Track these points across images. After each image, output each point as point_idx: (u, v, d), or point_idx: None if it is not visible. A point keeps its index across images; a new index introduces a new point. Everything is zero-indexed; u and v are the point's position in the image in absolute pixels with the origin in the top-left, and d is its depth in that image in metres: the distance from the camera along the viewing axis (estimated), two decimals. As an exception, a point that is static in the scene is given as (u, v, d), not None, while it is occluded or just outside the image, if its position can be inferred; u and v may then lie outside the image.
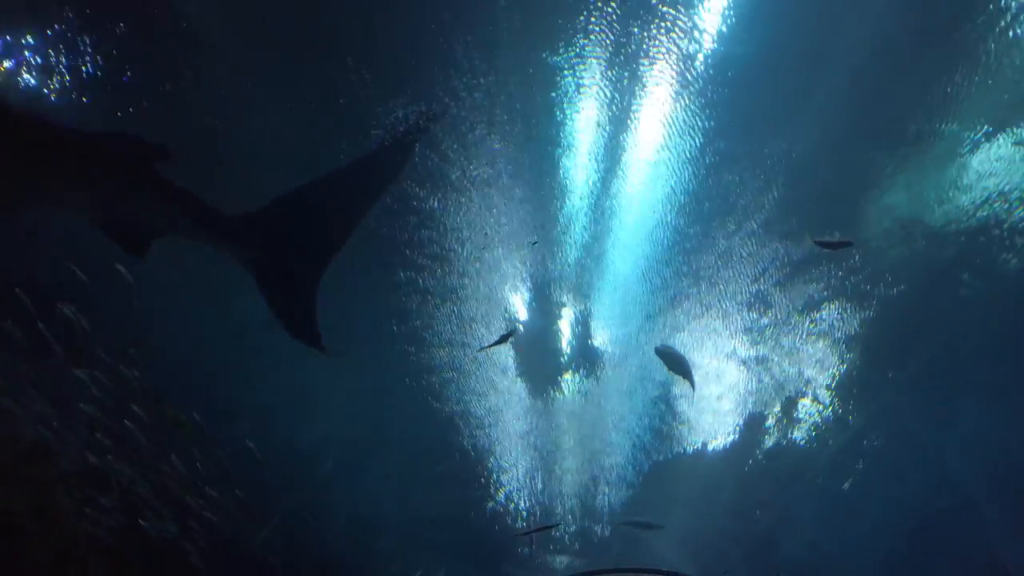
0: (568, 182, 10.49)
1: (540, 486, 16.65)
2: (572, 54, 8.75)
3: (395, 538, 16.81)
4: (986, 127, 9.37)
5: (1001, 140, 9.51)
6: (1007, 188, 10.13)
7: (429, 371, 13.46)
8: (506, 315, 12.59)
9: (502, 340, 11.01)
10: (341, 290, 11.72)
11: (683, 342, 13.25)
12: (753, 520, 17.61)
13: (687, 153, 9.89)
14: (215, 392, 12.27)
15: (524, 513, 17.17)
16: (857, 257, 11.51)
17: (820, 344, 13.22)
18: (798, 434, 15.32)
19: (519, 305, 12.57)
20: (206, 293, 11.13)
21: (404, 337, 12.69)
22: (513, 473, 16.22)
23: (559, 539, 18.19)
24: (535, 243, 10.01)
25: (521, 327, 12.59)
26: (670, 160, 10.06)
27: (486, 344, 12.06)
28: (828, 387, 14.10)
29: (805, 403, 14.60)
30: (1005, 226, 10.65)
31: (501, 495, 16.74)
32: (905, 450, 15.49)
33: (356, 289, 11.64)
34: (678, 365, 11.85)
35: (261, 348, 11.94)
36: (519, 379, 14.13)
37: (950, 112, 9.22)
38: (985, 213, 10.51)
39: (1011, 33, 8.26)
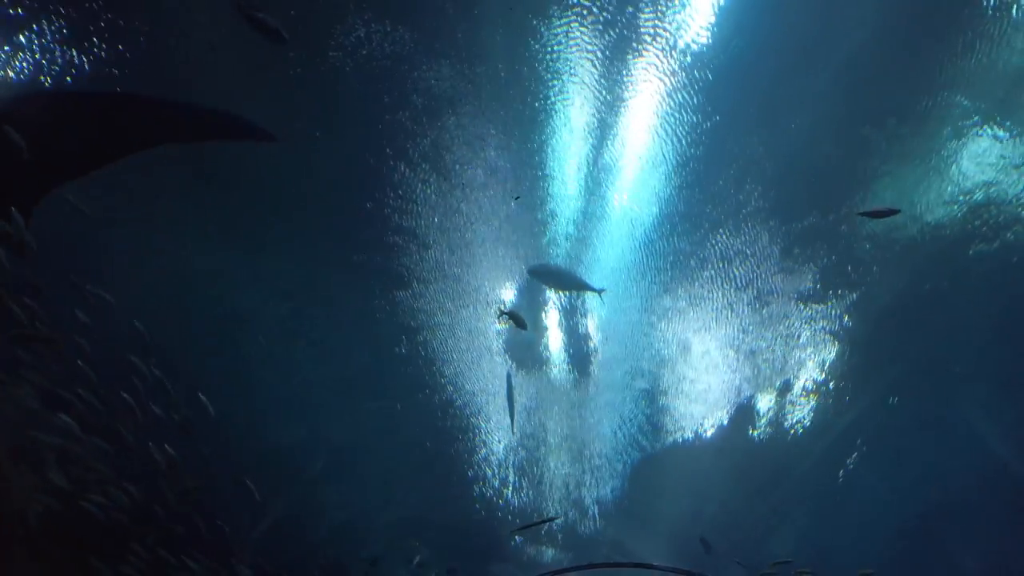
0: (558, 159, 10.11)
1: (529, 479, 16.23)
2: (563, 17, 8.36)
3: (382, 540, 16.38)
4: (983, 112, 9.20)
5: (998, 126, 9.31)
6: (1002, 180, 9.94)
7: (414, 362, 13.02)
8: (496, 302, 12.23)
9: (516, 321, 10.55)
10: (325, 279, 11.54)
11: (676, 328, 12.92)
12: (743, 514, 17.25)
13: (681, 134, 9.59)
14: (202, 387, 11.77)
15: (513, 507, 16.74)
16: (855, 241, 11.16)
17: (814, 334, 12.89)
18: (790, 427, 14.90)
19: (507, 290, 12.15)
20: (196, 288, 10.87)
21: (386, 324, 12.25)
22: (501, 467, 15.82)
23: (548, 533, 17.81)
24: (518, 198, 9.52)
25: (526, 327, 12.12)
26: (663, 142, 9.78)
27: (505, 311, 11.55)
28: (822, 379, 13.76)
29: (798, 395, 14.19)
30: (1001, 217, 10.45)
31: (489, 490, 16.31)
32: (900, 445, 15.13)
33: (337, 276, 11.36)
34: (561, 280, 10.94)
35: (248, 345, 11.75)
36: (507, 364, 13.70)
37: (946, 98, 9.07)
38: (981, 203, 10.31)
39: (1007, 22, 8.15)
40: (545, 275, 10.78)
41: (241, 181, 9.99)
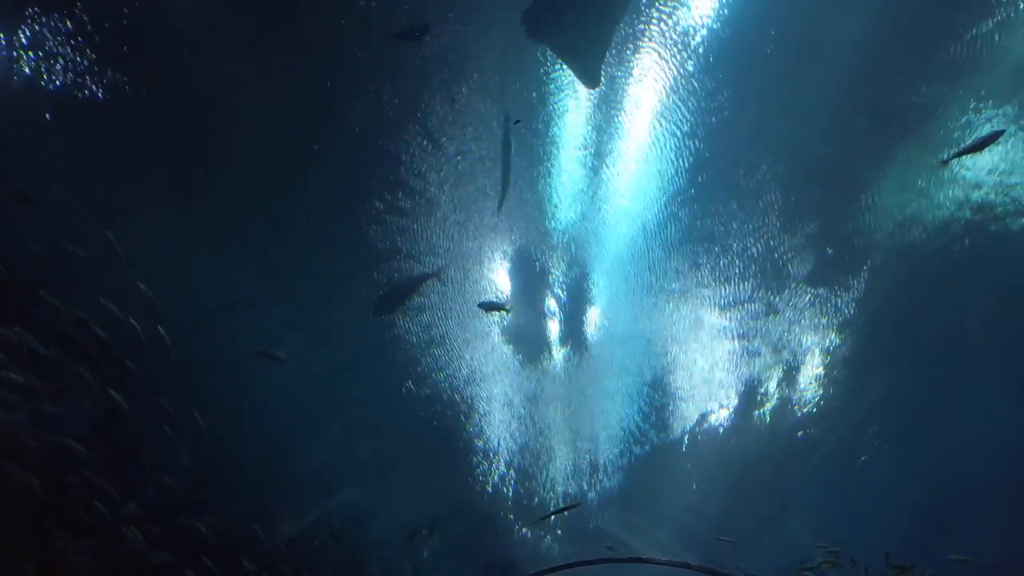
0: (561, 142, 9.97)
1: (531, 470, 15.98)
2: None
3: (382, 534, 16.07)
4: (992, 101, 9.15)
5: (1000, 116, 9.28)
6: (1007, 169, 9.93)
7: (411, 345, 12.74)
8: (493, 288, 11.97)
9: (497, 308, 10.38)
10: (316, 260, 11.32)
11: (681, 319, 12.72)
12: (752, 505, 17.01)
13: (686, 125, 9.56)
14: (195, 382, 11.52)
15: (513, 497, 16.49)
16: (865, 223, 10.98)
17: (824, 320, 12.70)
18: (799, 417, 14.71)
19: (504, 275, 11.94)
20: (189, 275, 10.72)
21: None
22: (502, 458, 15.56)
23: (551, 525, 17.58)
24: (517, 121, 9.24)
25: (509, 310, 11.93)
26: (666, 132, 9.70)
27: (486, 302, 11.38)
28: (831, 368, 13.60)
29: (806, 384, 14.02)
30: (1007, 205, 10.42)
31: (491, 482, 16.06)
32: (911, 434, 15.09)
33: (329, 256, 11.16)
34: (405, 291, 10.89)
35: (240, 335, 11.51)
36: (507, 353, 13.47)
37: (949, 89, 9.06)
38: (990, 189, 10.25)
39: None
40: (388, 304, 10.75)
41: (230, 171, 9.98)
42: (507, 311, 11.56)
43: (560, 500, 16.44)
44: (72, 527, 8.05)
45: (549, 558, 17.79)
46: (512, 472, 15.80)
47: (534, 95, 9.32)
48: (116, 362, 9.25)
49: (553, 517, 16.79)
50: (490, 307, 11.08)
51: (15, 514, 7.40)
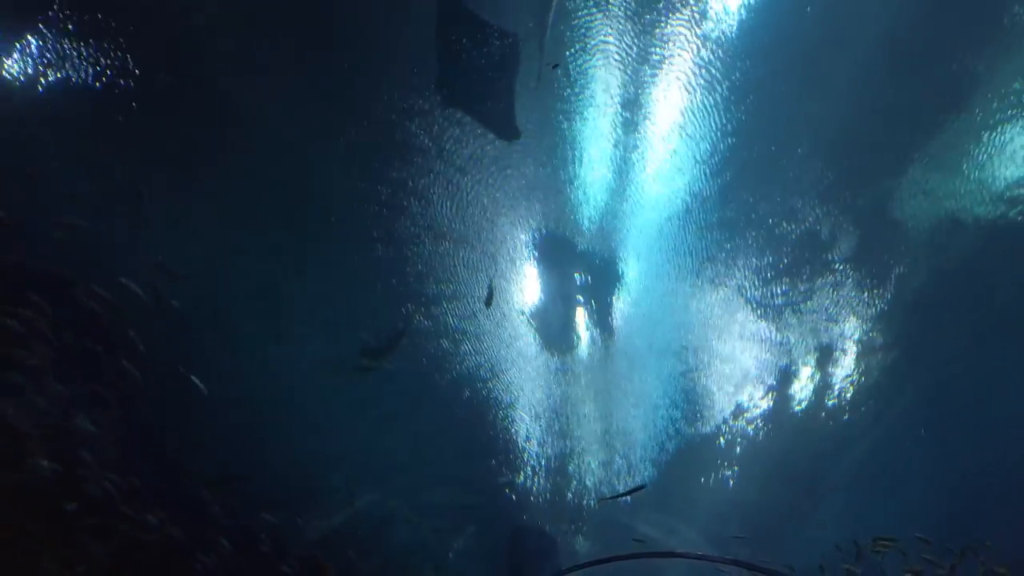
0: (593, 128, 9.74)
1: (558, 465, 15.68)
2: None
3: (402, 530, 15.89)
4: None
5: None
6: None
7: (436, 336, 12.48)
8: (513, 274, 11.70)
9: (490, 294, 10.36)
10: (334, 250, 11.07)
11: (712, 311, 12.43)
12: (788, 499, 16.67)
13: (720, 106, 9.29)
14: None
15: (540, 492, 16.17)
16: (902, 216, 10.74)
17: (863, 309, 12.38)
18: (835, 411, 14.45)
19: (528, 259, 11.62)
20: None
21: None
22: (528, 452, 15.25)
23: (579, 522, 17.33)
24: (556, 66, 8.91)
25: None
26: (700, 115, 9.44)
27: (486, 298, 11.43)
28: (869, 358, 13.29)
29: (844, 375, 13.69)
30: None
31: (519, 476, 15.75)
32: (948, 429, 14.88)
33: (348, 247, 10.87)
34: (386, 348, 11.34)
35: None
36: (535, 347, 13.16)
37: (987, 75, 8.84)
38: None
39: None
40: (378, 353, 11.30)
41: (248, 160, 9.78)
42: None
43: (592, 494, 16.10)
44: (92, 519, 7.95)
45: (578, 554, 17.54)
46: (540, 468, 15.50)
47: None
48: (134, 348, 9.08)
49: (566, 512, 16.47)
50: (488, 298, 11.08)
51: (33, 505, 7.31)
